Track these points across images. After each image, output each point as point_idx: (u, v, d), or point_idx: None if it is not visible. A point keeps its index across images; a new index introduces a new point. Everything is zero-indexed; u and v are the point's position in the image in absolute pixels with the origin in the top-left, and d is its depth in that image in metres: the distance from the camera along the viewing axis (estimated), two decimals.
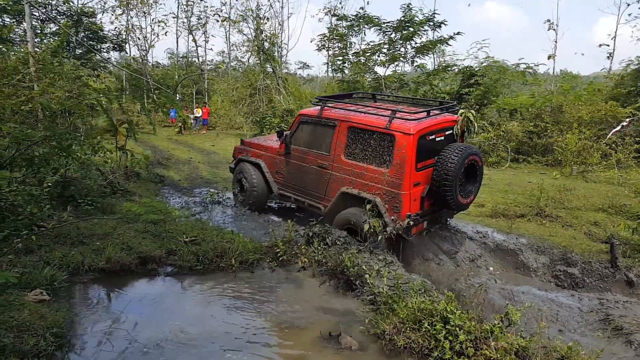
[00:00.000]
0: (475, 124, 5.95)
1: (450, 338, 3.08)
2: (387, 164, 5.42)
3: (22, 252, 4.28)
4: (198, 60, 27.69)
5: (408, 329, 3.37)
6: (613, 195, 9.07)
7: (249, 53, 22.89)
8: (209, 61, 27.55)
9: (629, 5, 19.14)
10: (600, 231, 6.87)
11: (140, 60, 24.68)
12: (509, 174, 12.80)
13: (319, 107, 6.37)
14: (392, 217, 5.35)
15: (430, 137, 5.51)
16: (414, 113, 5.68)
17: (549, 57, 20.39)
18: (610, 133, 14.22)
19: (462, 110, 6.01)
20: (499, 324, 3.14)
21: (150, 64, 27.06)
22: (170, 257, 4.93)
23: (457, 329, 3.11)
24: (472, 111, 6.09)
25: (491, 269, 5.48)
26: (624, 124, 14.32)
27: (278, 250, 5.21)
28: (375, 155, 5.57)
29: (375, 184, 5.51)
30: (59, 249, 4.53)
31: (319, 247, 5.28)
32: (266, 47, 18.91)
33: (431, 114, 5.80)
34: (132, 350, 3.22)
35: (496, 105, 17.26)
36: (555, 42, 21.36)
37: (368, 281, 4.22)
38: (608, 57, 22.46)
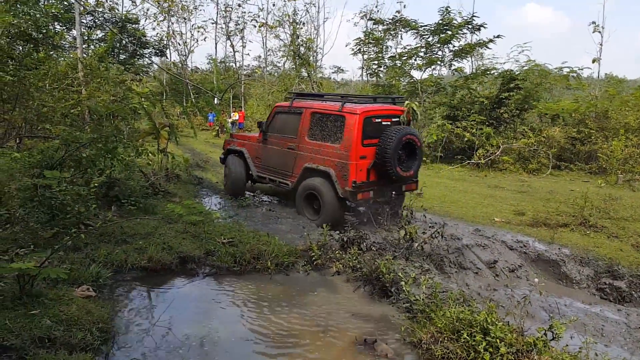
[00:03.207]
0: (419, 113, 7.10)
1: (491, 350, 3.00)
2: (339, 141, 6.59)
3: (69, 249, 4.48)
4: (235, 65, 28.28)
5: (446, 338, 3.30)
6: None
7: (285, 58, 23.16)
8: (245, 66, 28.10)
9: None
10: None
11: (180, 65, 25.42)
12: (551, 182, 12.36)
13: (291, 100, 7.71)
14: (342, 185, 6.48)
15: (376, 120, 6.68)
16: (362, 101, 7.05)
17: (593, 61, 19.56)
18: None
19: (407, 102, 7.24)
20: (542, 337, 3.03)
21: (189, 69, 27.85)
22: (208, 258, 5.04)
23: (498, 340, 3.02)
24: (416, 102, 7.49)
25: (536, 280, 5.30)
26: None
27: (313, 254, 5.23)
28: (330, 134, 6.75)
29: (330, 158, 6.66)
30: (103, 247, 4.72)
31: (354, 253, 5.28)
32: (302, 52, 19.06)
33: (377, 102, 7.27)
34: (170, 349, 3.30)
35: (537, 110, 16.70)
36: (601, 44, 20.47)
37: (404, 288, 4.17)
38: None
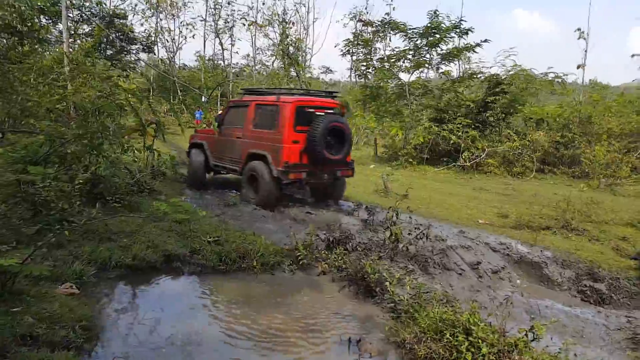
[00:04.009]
0: (350, 107, 7.75)
1: (473, 350, 3.05)
2: (275, 127, 7.49)
3: (52, 246, 4.42)
4: (224, 63, 28.13)
5: (429, 338, 3.34)
6: None
7: (274, 57, 23.11)
8: (234, 64, 27.96)
9: None
10: (629, 246, 6.67)
11: (168, 62, 25.20)
12: (534, 185, 12.58)
13: (242, 95, 8.99)
14: (276, 165, 7.30)
15: (309, 110, 7.52)
16: (296, 94, 8.13)
17: (578, 67, 19.98)
18: None
19: (340, 96, 8.52)
20: (523, 337, 3.09)
21: (177, 66, 27.61)
22: (194, 256, 5.02)
23: (480, 341, 3.07)
24: (349, 97, 8.23)
25: (518, 281, 5.39)
26: None
27: (299, 254, 5.24)
28: (268, 122, 7.65)
29: (267, 143, 7.53)
30: (87, 244, 4.66)
31: (339, 253, 5.31)
32: (291, 52, 19.06)
33: (311, 95, 8.35)
34: (154, 347, 3.28)
35: (522, 114, 16.98)
36: (586, 51, 20.90)
37: (389, 288, 4.21)
38: None
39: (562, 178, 13.90)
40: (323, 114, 7.57)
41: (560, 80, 17.37)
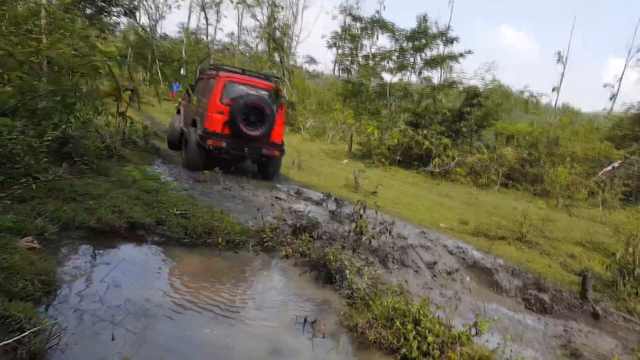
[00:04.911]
0: (285, 93, 8.58)
1: (419, 339, 3.24)
2: (208, 98, 8.31)
3: (15, 200, 4.33)
4: (207, 38, 27.61)
5: (380, 325, 3.51)
6: (593, 232, 9.34)
7: (259, 39, 22.87)
8: (217, 41, 27.49)
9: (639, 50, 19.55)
10: (575, 263, 7.10)
11: (150, 29, 24.52)
12: (497, 197, 13.07)
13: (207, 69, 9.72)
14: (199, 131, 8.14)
15: (240, 87, 8.35)
16: (234, 71, 9.12)
17: (553, 89, 20.73)
18: (601, 172, 14.55)
19: (277, 80, 9.21)
20: (466, 331, 3.29)
21: (158, 35, 26.91)
22: (159, 227, 5.01)
23: (427, 331, 3.27)
24: (286, 82, 9.03)
25: (468, 278, 5.66)
26: (615, 165, 14.67)
27: (264, 235, 5.33)
28: (207, 93, 8.45)
29: (201, 111, 8.41)
30: (51, 202, 4.58)
31: (304, 239, 5.42)
32: (277, 36, 18.93)
33: (247, 74, 9.20)
34: (112, 305, 3.31)
35: (495, 128, 17.53)
36: (562, 75, 21.69)
37: (348, 276, 4.36)
38: (611, 98, 22.89)
39: (524, 194, 14.48)
40: (256, 93, 8.37)
41: (534, 100, 18.03)
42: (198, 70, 9.95)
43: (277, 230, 5.54)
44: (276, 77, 9.79)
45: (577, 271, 6.70)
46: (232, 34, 29.56)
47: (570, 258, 7.38)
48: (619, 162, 14.92)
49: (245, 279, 4.43)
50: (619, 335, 4.93)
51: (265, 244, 5.26)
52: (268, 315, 3.81)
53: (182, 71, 20.72)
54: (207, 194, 6.86)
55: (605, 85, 27.29)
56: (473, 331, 3.34)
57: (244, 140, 8.23)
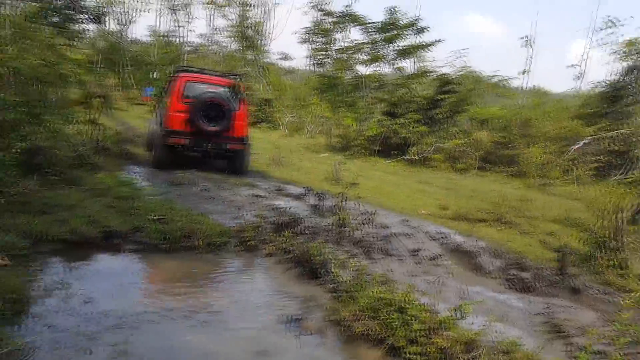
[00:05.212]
0: (241, 91, 8.99)
1: (405, 327, 3.25)
2: (170, 96, 8.68)
3: None
4: (178, 40, 27.15)
5: (366, 317, 3.51)
6: (569, 209, 9.53)
7: (232, 38, 22.59)
8: (189, 42, 27.05)
9: (601, 29, 20.03)
10: (554, 241, 7.23)
11: (120, 35, 23.95)
12: (475, 181, 13.23)
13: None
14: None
15: (200, 86, 8.70)
16: (193, 71, 9.69)
17: (522, 72, 21.10)
18: (573, 149, 14.86)
19: (236, 77, 9.50)
20: (451, 316, 3.32)
21: (128, 40, 26.31)
22: (136, 234, 4.90)
23: (412, 318, 3.28)
24: (242, 80, 9.62)
25: (450, 263, 5.73)
26: (585, 141, 14.99)
27: (246, 235, 5.27)
28: (169, 93, 8.86)
29: (163, 111, 8.76)
30: (22, 216, 4.44)
31: (287, 236, 5.38)
32: (249, 35, 18.74)
33: (206, 73, 9.75)
34: (86, 321, 3.21)
35: (469, 113, 17.73)
36: (531, 58, 22.10)
37: (332, 270, 4.35)
38: (578, 78, 23.42)
39: (501, 176, 14.69)
40: (216, 90, 8.71)
41: (505, 83, 18.30)
42: (172, 73, 9.87)
43: (259, 229, 5.49)
44: (235, 75, 10.08)
45: (555, 248, 6.82)
46: (204, 35, 29.05)
47: (549, 235, 7.52)
48: (588, 138, 15.23)
49: (227, 281, 4.38)
50: (598, 307, 5.04)
51: (247, 244, 5.20)
52: (252, 316, 3.77)
53: (155, 74, 20.34)
54: (185, 196, 6.75)
55: (571, 66, 27.82)
56: (458, 315, 3.37)
57: (205, 137, 8.43)
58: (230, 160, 9.16)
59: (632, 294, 5.33)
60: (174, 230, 5.00)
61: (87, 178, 6.32)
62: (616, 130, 15.24)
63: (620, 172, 14.25)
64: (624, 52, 18.12)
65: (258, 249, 5.22)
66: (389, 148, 16.19)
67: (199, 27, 44.66)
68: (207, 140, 8.49)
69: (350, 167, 11.87)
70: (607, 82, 18.44)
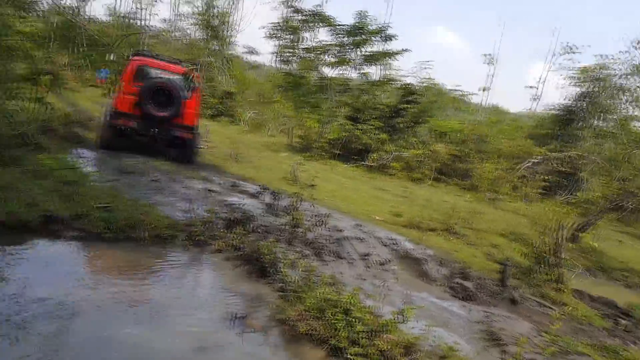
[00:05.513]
0: (194, 80, 8.81)
1: (349, 328, 3.26)
2: (124, 79, 8.34)
3: None
4: (140, 23, 26.18)
5: (312, 317, 3.50)
6: (515, 224, 9.98)
7: (196, 26, 22.03)
8: (151, 26, 26.14)
9: (560, 54, 21.10)
10: (498, 253, 7.55)
11: (77, 10, 22.76)
12: (430, 191, 13.59)
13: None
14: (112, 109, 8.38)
15: (152, 70, 8.73)
16: (147, 56, 9.41)
17: (482, 89, 21.92)
18: (523, 167, 15.57)
19: (188, 68, 9.20)
20: (394, 319, 3.37)
21: (86, 17, 25.08)
22: (78, 221, 4.65)
23: (356, 320, 3.30)
24: (196, 70, 9.51)
25: (399, 269, 5.83)
26: (535, 161, 15.75)
27: (196, 229, 5.13)
28: (122, 74, 8.36)
29: (114, 93, 8.25)
30: None
31: (238, 233, 5.28)
32: (214, 24, 18.34)
33: (160, 59, 9.46)
34: (20, 308, 3.03)
35: (429, 125, 18.20)
36: (492, 76, 23.01)
37: (282, 269, 4.31)
38: (534, 99, 24.61)
39: (454, 188, 15.18)
40: (161, 75, 8.68)
41: (465, 99, 18.94)
42: (128, 56, 9.41)
43: (210, 224, 5.36)
44: (191, 64, 10.09)
45: (498, 260, 7.11)
46: (168, 20, 28.12)
47: (493, 248, 7.83)
48: (539, 158, 16.01)
49: (172, 275, 4.24)
50: (533, 319, 5.29)
51: (197, 239, 5.05)
52: (195, 312, 3.67)
53: (112, 57, 19.44)
54: (134, 186, 6.49)
55: (530, 87, 29.22)
56: (400, 319, 3.42)
57: (153, 122, 8.41)
58: (177, 148, 9.06)
59: (564, 308, 5.65)
60: (119, 220, 4.79)
61: (28, 159, 5.95)
62: (565, 152, 16.13)
63: (566, 192, 15.09)
64: (579, 78, 19.21)
65: (207, 244, 5.09)
66: (350, 153, 16.34)
67: (163, 11, 43.08)
68: (154, 125, 8.46)
69: (309, 169, 11.86)
70: (561, 105, 19.52)
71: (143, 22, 26.05)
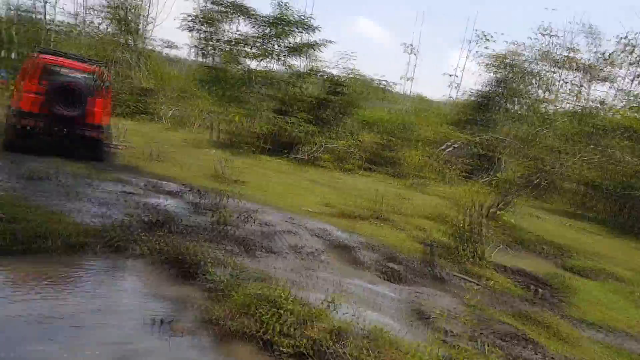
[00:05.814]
0: (106, 79, 8.92)
1: (280, 321, 3.21)
2: (25, 77, 8.59)
3: None
4: (45, 19, 24.03)
5: (242, 314, 3.41)
6: (440, 207, 10.47)
7: (107, 20, 20.62)
8: (58, 22, 24.08)
9: (475, 42, 22.38)
10: (424, 235, 7.87)
11: None
12: (360, 181, 13.90)
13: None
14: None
15: (59, 69, 8.45)
16: (58, 55, 9.18)
17: (407, 79, 22.76)
18: (444, 152, 16.44)
19: (97, 67, 9.03)
20: (325, 308, 3.37)
21: None
22: None
23: (288, 313, 3.26)
24: (105, 69, 9.25)
25: (331, 258, 5.89)
26: (456, 145, 16.69)
27: (114, 235, 4.80)
28: (27, 74, 8.54)
29: (18, 93, 8.49)
30: None
31: (161, 235, 5.03)
32: (128, 18, 17.29)
33: (70, 58, 9.21)
34: None
35: (356, 116, 18.58)
36: (414, 65, 23.94)
37: (209, 270, 4.16)
38: (455, 87, 25.99)
39: (384, 176, 15.66)
40: (69, 74, 8.49)
41: (389, 89, 19.53)
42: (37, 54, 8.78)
43: (129, 228, 5.04)
44: (98, 62, 9.79)
45: (425, 242, 7.43)
46: (76, 14, 26.00)
47: (420, 231, 8.16)
48: (458, 142, 16.95)
49: (88, 284, 3.94)
50: (459, 294, 5.58)
51: (115, 245, 4.73)
52: (117, 320, 3.43)
53: (12, 55, 17.73)
54: (42, 192, 5.94)
55: (448, 75, 30.62)
56: (331, 307, 3.43)
57: (59, 121, 8.23)
58: (86, 149, 8.81)
59: (486, 281, 6.04)
60: (26, 230, 4.36)
61: None
62: (483, 136, 17.23)
63: (487, 174, 16.14)
64: (494, 65, 20.53)
65: (127, 249, 4.78)
66: (279, 146, 16.22)
67: (69, 5, 39.59)
68: (62, 125, 8.26)
69: (238, 165, 11.61)
70: (479, 92, 20.78)
71: (47, 17, 23.89)
